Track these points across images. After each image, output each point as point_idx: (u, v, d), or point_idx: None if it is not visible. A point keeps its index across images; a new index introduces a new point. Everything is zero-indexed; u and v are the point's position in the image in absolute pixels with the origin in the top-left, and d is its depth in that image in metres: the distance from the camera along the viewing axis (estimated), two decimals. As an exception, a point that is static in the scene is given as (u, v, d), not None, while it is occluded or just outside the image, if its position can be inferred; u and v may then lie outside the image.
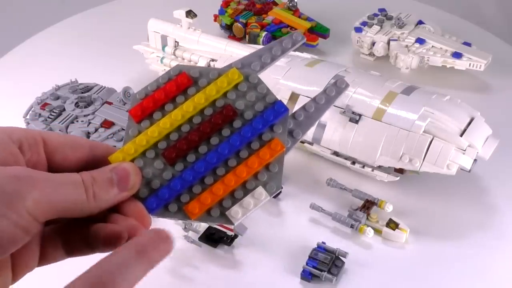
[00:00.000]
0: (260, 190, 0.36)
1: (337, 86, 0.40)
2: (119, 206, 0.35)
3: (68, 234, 0.35)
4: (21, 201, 0.30)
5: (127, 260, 0.31)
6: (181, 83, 0.39)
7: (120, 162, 0.36)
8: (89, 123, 0.82)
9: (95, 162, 0.36)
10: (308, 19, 1.11)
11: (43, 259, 0.35)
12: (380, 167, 0.76)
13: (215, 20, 1.13)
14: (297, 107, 0.78)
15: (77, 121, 0.82)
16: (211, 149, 0.37)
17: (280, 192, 0.75)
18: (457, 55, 0.96)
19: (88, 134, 0.80)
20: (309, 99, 0.81)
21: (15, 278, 0.33)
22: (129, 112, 0.39)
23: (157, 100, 0.39)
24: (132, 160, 0.37)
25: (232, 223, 0.36)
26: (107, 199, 0.34)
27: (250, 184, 0.37)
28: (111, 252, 0.32)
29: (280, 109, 0.38)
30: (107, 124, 0.81)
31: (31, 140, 0.34)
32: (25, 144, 0.34)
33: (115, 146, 0.78)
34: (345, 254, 0.67)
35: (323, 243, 0.69)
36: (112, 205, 0.34)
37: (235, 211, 0.36)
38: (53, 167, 0.35)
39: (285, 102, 0.80)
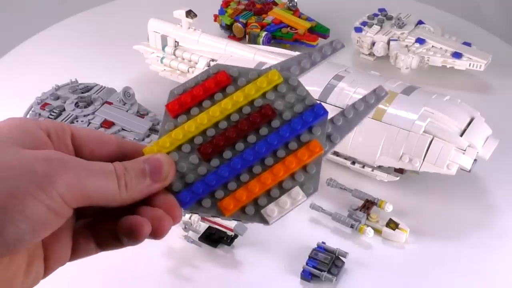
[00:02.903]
0: (297, 190, 0.36)
1: (376, 94, 0.40)
2: (151, 198, 0.34)
3: (99, 227, 0.35)
4: (52, 184, 0.29)
5: None
6: (220, 80, 0.39)
7: (153, 153, 0.36)
8: (89, 123, 0.82)
9: (123, 158, 0.35)
10: (308, 19, 1.11)
11: (75, 253, 0.34)
12: (380, 167, 0.76)
13: (215, 20, 1.13)
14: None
15: (77, 121, 0.82)
16: (248, 146, 0.37)
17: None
18: (457, 55, 0.96)
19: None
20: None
21: (47, 271, 0.33)
22: (166, 107, 0.38)
23: (195, 96, 0.38)
24: (167, 154, 0.36)
25: (267, 223, 0.35)
26: (139, 190, 0.33)
27: (287, 184, 0.36)
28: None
29: (319, 112, 0.38)
30: (107, 124, 0.81)
31: (60, 131, 0.34)
32: (53, 133, 0.34)
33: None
34: (345, 254, 0.67)
35: (323, 243, 0.69)
36: (144, 196, 0.34)
37: (271, 210, 0.35)
38: None
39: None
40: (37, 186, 0.29)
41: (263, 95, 0.39)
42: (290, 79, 0.39)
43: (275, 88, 0.39)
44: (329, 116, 0.39)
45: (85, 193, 0.31)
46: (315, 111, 0.38)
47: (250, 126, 0.37)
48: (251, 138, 0.37)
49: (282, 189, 0.36)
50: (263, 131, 0.37)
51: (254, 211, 0.36)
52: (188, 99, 0.38)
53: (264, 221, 0.36)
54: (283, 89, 0.39)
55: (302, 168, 0.37)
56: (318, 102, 0.39)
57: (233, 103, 0.38)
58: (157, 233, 0.33)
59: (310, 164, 0.37)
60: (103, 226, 0.34)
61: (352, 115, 0.39)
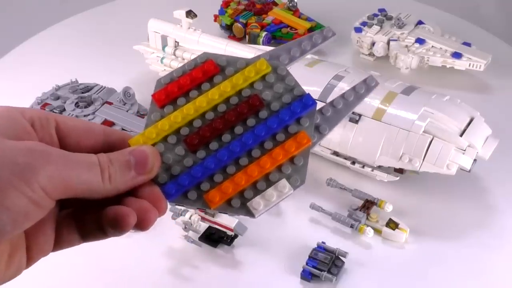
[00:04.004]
0: (283, 182, 0.35)
1: (367, 84, 0.39)
2: (136, 189, 0.34)
3: (83, 217, 0.34)
4: (34, 175, 0.29)
5: None
6: (207, 70, 0.38)
7: (139, 145, 0.35)
8: (89, 123, 0.82)
9: (109, 148, 0.35)
10: (308, 19, 1.11)
11: (58, 244, 0.34)
12: (380, 167, 0.76)
13: (215, 20, 1.13)
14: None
15: (77, 121, 0.82)
16: (235, 138, 0.36)
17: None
18: (457, 55, 0.96)
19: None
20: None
21: (29, 262, 0.33)
22: (152, 97, 0.38)
23: (182, 85, 0.38)
24: (153, 145, 0.36)
25: (253, 216, 0.35)
26: (123, 182, 0.33)
27: (274, 176, 0.36)
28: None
29: (308, 102, 0.37)
30: (107, 124, 0.81)
31: (44, 120, 0.34)
32: (37, 123, 0.33)
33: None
34: (345, 254, 0.67)
35: (323, 243, 0.69)
36: (129, 188, 0.34)
37: (257, 203, 0.35)
38: None
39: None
40: (18, 177, 0.29)
41: (251, 85, 0.38)
42: (278, 68, 0.39)
43: (263, 77, 0.38)
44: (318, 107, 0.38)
45: (68, 185, 0.31)
46: (304, 101, 0.37)
47: (237, 117, 0.37)
48: (238, 129, 0.37)
49: (269, 182, 0.36)
50: (251, 122, 0.37)
51: (240, 204, 0.35)
52: (174, 89, 0.38)
53: (250, 214, 0.35)
54: (271, 78, 0.38)
55: (289, 160, 0.36)
56: (307, 93, 0.38)
57: (220, 93, 0.37)
58: (142, 225, 0.33)
59: (298, 156, 0.36)
60: (87, 217, 0.34)
61: (342, 105, 0.39)
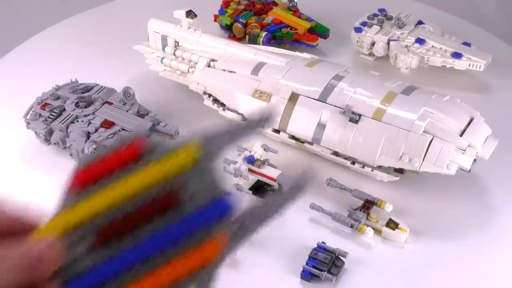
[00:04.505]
0: None
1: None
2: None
3: None
4: None
5: None
6: (128, 155, 0.34)
7: (39, 241, 0.31)
8: (89, 123, 0.82)
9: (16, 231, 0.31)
10: (308, 19, 1.11)
11: None
12: (380, 167, 0.76)
13: (215, 20, 1.13)
14: (297, 107, 0.79)
15: (77, 121, 0.82)
16: (143, 237, 0.33)
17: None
18: (457, 55, 0.96)
19: (88, 134, 0.80)
20: (309, 99, 0.80)
21: None
22: (67, 182, 0.34)
23: (95, 173, 0.34)
24: (56, 238, 0.32)
25: None
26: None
27: (183, 282, 0.33)
28: None
29: (226, 206, 0.34)
30: (107, 124, 0.81)
31: None
32: None
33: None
34: (345, 254, 0.67)
35: (323, 243, 0.69)
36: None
37: None
38: None
39: (285, 102, 0.80)
40: None
41: (171, 177, 0.34)
42: (204, 161, 0.34)
43: (186, 169, 0.34)
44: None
45: None
46: (222, 204, 0.34)
47: (147, 215, 0.33)
48: (149, 227, 0.33)
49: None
50: (163, 221, 0.33)
51: None
52: (92, 173, 0.34)
53: None
54: (194, 173, 0.34)
55: (200, 267, 0.33)
56: (228, 193, 0.34)
57: (132, 186, 0.33)
58: None
59: (210, 263, 0.34)
60: None
61: (260, 209, 0.37)
